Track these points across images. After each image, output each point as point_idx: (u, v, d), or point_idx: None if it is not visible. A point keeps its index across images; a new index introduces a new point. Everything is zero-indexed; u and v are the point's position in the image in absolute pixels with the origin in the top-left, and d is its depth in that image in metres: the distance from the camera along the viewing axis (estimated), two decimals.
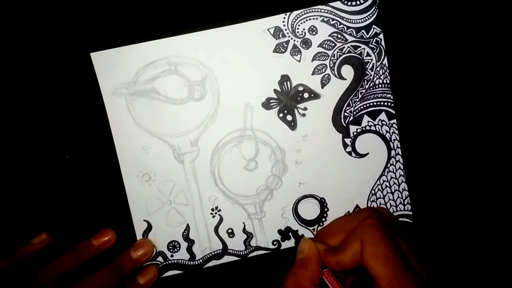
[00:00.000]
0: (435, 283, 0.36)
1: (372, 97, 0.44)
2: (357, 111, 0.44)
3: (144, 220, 0.44)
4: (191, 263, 0.45)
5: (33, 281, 0.39)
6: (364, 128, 0.45)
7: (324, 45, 0.43)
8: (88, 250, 0.41)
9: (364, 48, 0.44)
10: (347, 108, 0.44)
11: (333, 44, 0.43)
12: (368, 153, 0.45)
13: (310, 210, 0.45)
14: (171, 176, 0.44)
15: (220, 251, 0.45)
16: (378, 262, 0.34)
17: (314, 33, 0.43)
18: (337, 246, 0.37)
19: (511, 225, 0.45)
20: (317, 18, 0.43)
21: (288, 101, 0.44)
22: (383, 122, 0.45)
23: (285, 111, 0.44)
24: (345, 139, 0.45)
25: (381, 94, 0.44)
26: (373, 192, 0.45)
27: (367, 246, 0.34)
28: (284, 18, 0.43)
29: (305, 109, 0.44)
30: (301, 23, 0.43)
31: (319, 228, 0.42)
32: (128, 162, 0.44)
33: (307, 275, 0.36)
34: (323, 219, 0.45)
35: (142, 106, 0.43)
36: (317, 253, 0.37)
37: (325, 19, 0.43)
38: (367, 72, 0.44)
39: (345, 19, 0.43)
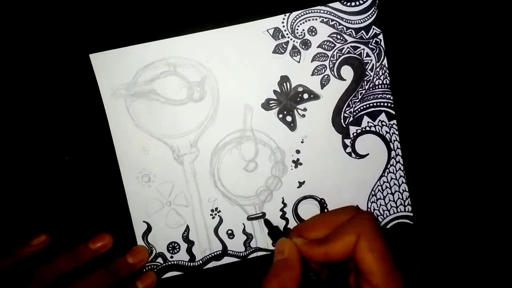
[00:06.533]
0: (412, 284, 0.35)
1: (372, 97, 0.44)
2: (357, 111, 0.44)
3: (143, 221, 0.44)
4: (191, 264, 0.45)
5: (29, 282, 0.39)
6: (364, 129, 0.45)
7: (323, 46, 0.43)
8: (84, 253, 0.41)
9: (363, 49, 0.43)
10: (347, 108, 0.44)
11: (332, 45, 0.43)
12: (368, 154, 0.45)
13: (310, 211, 0.45)
14: (170, 177, 0.44)
15: (220, 252, 0.45)
16: (374, 257, 0.33)
17: (313, 33, 0.43)
18: (324, 238, 0.36)
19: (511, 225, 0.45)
20: (316, 19, 0.43)
21: (288, 102, 0.44)
22: (383, 123, 0.45)
23: (285, 112, 0.44)
24: (345, 140, 0.44)
25: (381, 95, 0.44)
26: (373, 193, 0.45)
27: (363, 239, 0.34)
28: (284, 19, 0.43)
29: (304, 110, 0.44)
30: (301, 23, 0.43)
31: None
32: (128, 163, 0.44)
33: (291, 276, 0.35)
34: None
35: (142, 107, 0.43)
36: (298, 253, 0.36)
37: (325, 20, 0.43)
38: (366, 72, 0.44)
39: (344, 19, 0.43)
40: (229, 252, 0.45)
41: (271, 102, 0.44)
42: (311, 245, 0.36)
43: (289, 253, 0.36)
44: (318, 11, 0.43)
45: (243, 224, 0.45)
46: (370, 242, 0.34)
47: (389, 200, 0.45)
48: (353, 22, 0.43)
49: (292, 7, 0.43)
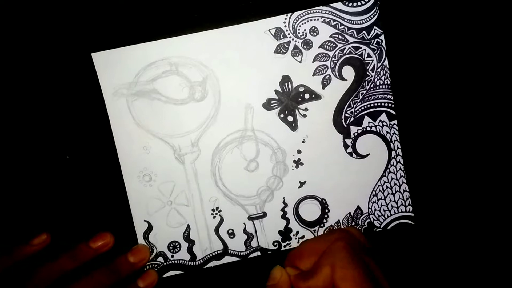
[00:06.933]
0: None
1: (372, 98, 0.44)
2: (357, 112, 0.44)
3: (144, 220, 0.44)
4: (192, 263, 0.45)
5: (29, 281, 0.38)
6: (364, 129, 0.45)
7: (325, 46, 0.43)
8: (85, 252, 0.41)
9: (365, 49, 0.44)
10: (348, 109, 0.44)
11: (334, 45, 0.43)
12: (369, 154, 0.45)
13: (311, 211, 0.45)
14: (171, 176, 0.44)
15: (221, 251, 0.45)
16: (349, 285, 0.34)
17: (315, 34, 0.43)
18: (308, 271, 0.37)
19: None
20: (318, 19, 0.43)
21: (289, 101, 0.44)
22: (384, 123, 0.45)
23: (286, 112, 0.44)
24: (345, 140, 0.45)
25: (381, 95, 0.44)
26: (374, 193, 0.45)
27: (337, 269, 0.35)
28: (285, 18, 0.43)
29: (306, 109, 0.44)
30: (302, 24, 0.43)
31: (290, 251, 0.42)
32: (129, 162, 0.44)
33: None
34: (324, 220, 0.45)
35: (143, 107, 0.43)
36: (288, 281, 0.38)
37: (326, 20, 0.43)
38: (368, 73, 0.44)
39: (346, 20, 0.43)
40: (229, 251, 0.45)
41: (272, 102, 0.44)
42: (298, 279, 0.37)
43: (280, 280, 0.38)
44: (320, 11, 0.43)
45: (244, 223, 0.45)
46: (343, 271, 0.35)
47: (390, 200, 0.45)
48: (354, 23, 0.43)
49: (294, 7, 0.43)
